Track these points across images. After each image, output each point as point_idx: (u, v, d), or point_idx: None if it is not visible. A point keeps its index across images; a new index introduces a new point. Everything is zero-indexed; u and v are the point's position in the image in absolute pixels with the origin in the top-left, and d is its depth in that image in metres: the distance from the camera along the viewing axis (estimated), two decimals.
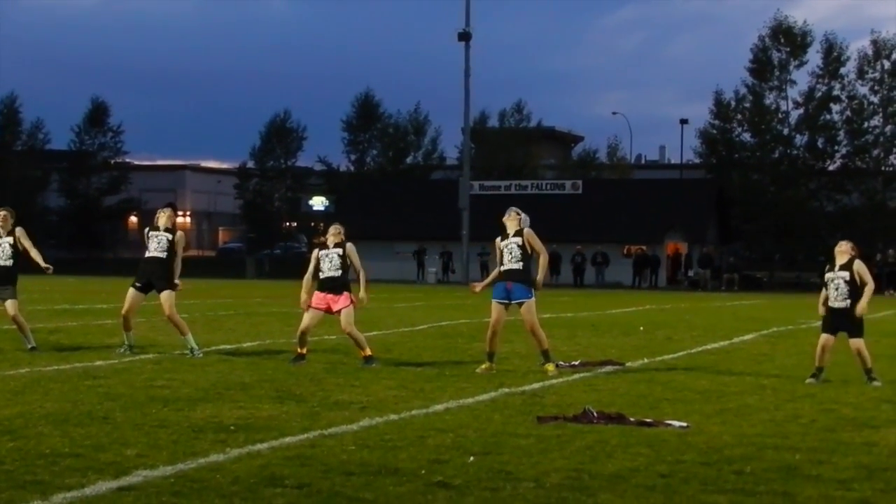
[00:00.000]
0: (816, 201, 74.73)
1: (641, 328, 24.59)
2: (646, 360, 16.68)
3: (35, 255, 16.56)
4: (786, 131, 75.94)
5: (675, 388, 13.22)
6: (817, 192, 74.96)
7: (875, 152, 74.69)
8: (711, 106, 77.09)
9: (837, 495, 7.36)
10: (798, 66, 75.68)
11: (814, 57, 75.30)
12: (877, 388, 13.38)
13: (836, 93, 75.06)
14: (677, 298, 44.60)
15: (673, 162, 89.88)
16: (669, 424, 10.21)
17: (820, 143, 75.13)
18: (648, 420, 10.36)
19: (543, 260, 14.97)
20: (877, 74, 74.53)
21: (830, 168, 75.73)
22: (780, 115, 76.00)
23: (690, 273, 66.05)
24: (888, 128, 74.61)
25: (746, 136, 76.68)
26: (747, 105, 76.08)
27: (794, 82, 75.90)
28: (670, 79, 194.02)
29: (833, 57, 74.90)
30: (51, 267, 16.98)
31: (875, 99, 74.63)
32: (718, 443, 9.28)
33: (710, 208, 70.49)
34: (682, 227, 67.28)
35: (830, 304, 14.04)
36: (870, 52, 74.57)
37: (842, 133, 75.07)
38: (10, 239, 16.41)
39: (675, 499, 7.24)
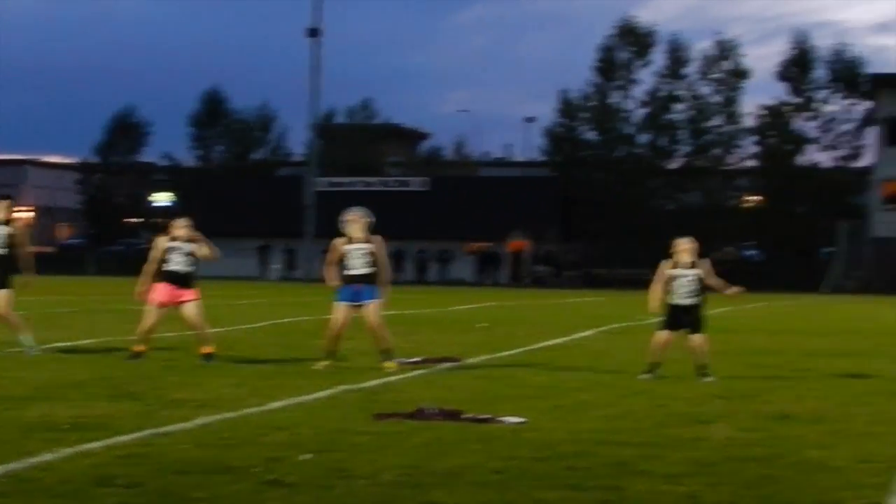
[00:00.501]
0: (658, 200, 76.07)
1: (482, 325, 24.75)
2: (485, 357, 16.79)
3: None
4: (630, 130, 77.13)
5: (512, 384, 13.33)
6: (659, 191, 76.31)
7: (716, 151, 76.26)
8: (557, 105, 78.00)
9: (666, 489, 7.47)
10: (643, 66, 77.00)
11: (659, 57, 76.72)
12: (709, 383, 13.65)
13: (679, 92, 76.49)
14: (520, 295, 45.04)
15: (519, 160, 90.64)
16: (505, 421, 10.28)
17: (662, 142, 76.48)
18: (484, 416, 10.42)
19: (386, 275, 15.03)
20: (719, 75, 76.13)
21: (672, 167, 77.14)
22: (624, 115, 77.16)
23: (533, 270, 66.70)
24: (728, 127, 76.27)
25: (591, 135, 77.70)
26: (593, 104, 77.10)
27: (639, 82, 77.20)
28: (518, 77, 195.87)
29: (677, 57, 76.32)
30: None
31: (717, 99, 76.21)
32: (552, 439, 9.36)
33: (554, 206, 71.32)
34: (525, 225, 67.87)
35: (675, 301, 14.28)
36: (713, 52, 76.17)
37: (684, 132, 76.51)
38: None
39: (508, 495, 7.27)
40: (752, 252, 75.41)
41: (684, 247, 14.41)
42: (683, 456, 8.66)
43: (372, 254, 14.71)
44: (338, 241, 14.87)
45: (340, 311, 14.77)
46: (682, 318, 14.28)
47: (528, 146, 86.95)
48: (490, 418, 10.36)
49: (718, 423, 10.41)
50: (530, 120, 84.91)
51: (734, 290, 14.48)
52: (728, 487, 7.55)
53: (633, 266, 68.86)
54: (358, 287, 14.70)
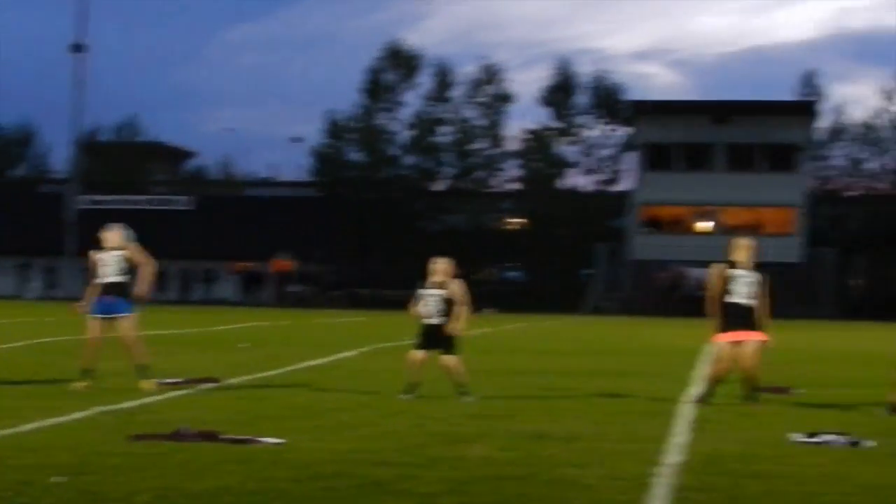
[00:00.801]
0: (423, 221, 76.80)
1: (244, 345, 24.55)
2: (247, 377, 16.64)
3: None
4: (396, 152, 77.69)
5: (273, 404, 13.24)
6: (424, 212, 77.05)
7: (480, 174, 77.41)
8: (324, 125, 78.06)
9: None
10: (410, 89, 77.76)
11: (425, 80, 77.55)
12: (468, 403, 13.80)
13: (444, 115, 77.44)
14: (283, 315, 44.78)
15: (285, 180, 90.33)
16: (264, 441, 10.19)
17: (428, 164, 77.25)
18: (243, 437, 10.32)
19: (147, 271, 14.69)
20: (484, 99, 77.37)
21: (437, 189, 77.99)
22: (390, 137, 77.70)
23: (297, 289, 66.51)
24: (493, 151, 77.55)
25: (358, 156, 77.99)
26: (359, 125, 77.41)
27: (405, 104, 77.88)
28: (285, 97, 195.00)
29: (443, 81, 77.27)
30: None
31: (482, 122, 77.41)
32: (311, 459, 9.31)
33: (320, 226, 71.26)
34: (291, 245, 67.65)
35: (424, 320, 14.42)
36: (478, 77, 77.38)
37: (449, 155, 77.45)
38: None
39: None
40: (515, 273, 76.81)
41: (435, 266, 14.56)
42: (441, 475, 8.71)
43: (128, 260, 14.44)
44: (93, 252, 14.58)
45: (93, 325, 14.48)
46: (431, 338, 14.41)
47: (294, 166, 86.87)
48: (249, 439, 10.25)
49: (476, 442, 10.52)
50: (297, 140, 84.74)
51: (455, 326, 14.46)
52: None
53: (398, 286, 69.42)
54: (109, 299, 14.40)
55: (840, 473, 9.14)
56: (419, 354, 14.43)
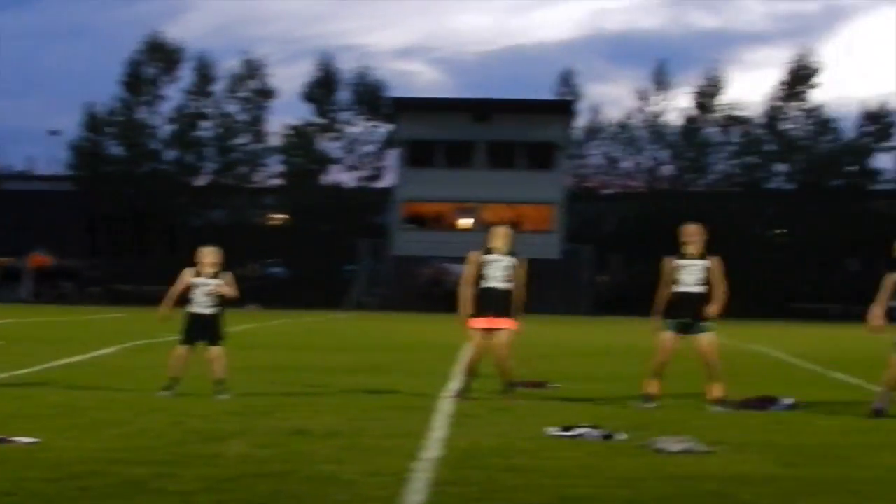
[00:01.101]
0: (185, 216, 75.78)
1: (0, 342, 23.85)
2: (1, 375, 16.15)
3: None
4: (157, 146, 76.44)
5: (27, 403, 12.89)
6: (185, 207, 76.02)
7: (242, 169, 76.78)
8: (83, 118, 76.24)
9: None
10: (171, 83, 76.59)
11: (187, 74, 76.52)
12: (225, 401, 13.70)
13: (206, 110, 76.54)
14: (41, 312, 43.61)
15: (43, 174, 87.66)
16: (17, 441, 9.92)
17: (189, 158, 76.24)
18: None
19: None
20: (246, 94, 76.76)
21: (199, 184, 77.03)
22: (151, 131, 76.41)
23: (56, 286, 64.88)
24: (255, 146, 77.01)
25: (117, 150, 76.43)
26: (119, 119, 75.90)
27: (166, 98, 76.70)
28: (42, 89, 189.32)
29: (205, 75, 76.36)
30: None
31: (243, 117, 76.78)
32: (66, 459, 9.11)
33: (79, 221, 69.60)
34: (49, 240, 65.93)
35: (194, 310, 14.29)
36: (240, 71, 76.74)
37: (210, 149, 76.59)
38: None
39: None
40: (277, 269, 76.46)
41: (208, 257, 14.44)
42: (198, 473, 8.64)
43: None
44: None
45: None
46: (198, 331, 14.28)
47: (52, 160, 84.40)
48: (2, 439, 9.96)
49: (234, 439, 10.45)
50: (55, 133, 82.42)
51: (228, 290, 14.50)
52: (241, 503, 7.60)
53: (157, 282, 68.26)
54: None
55: (594, 466, 9.39)
56: (184, 350, 14.29)
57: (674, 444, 10.37)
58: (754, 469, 9.40)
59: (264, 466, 9.03)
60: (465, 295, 14.56)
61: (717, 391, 13.92)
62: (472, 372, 14.67)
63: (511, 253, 14.63)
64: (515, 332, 14.52)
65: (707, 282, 13.94)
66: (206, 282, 14.33)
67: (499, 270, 14.43)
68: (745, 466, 9.53)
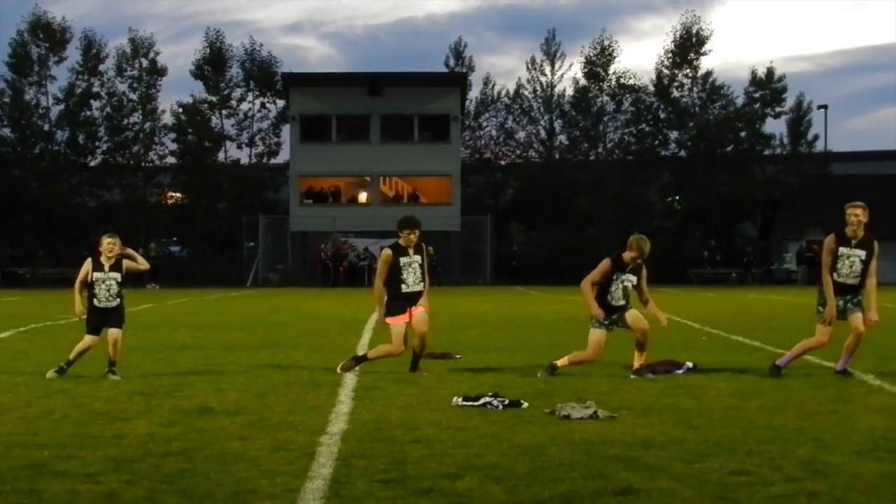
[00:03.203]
0: (79, 197, 74.81)
1: None
2: None
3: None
4: (46, 127, 75.31)
5: None
6: (80, 188, 75.04)
7: (135, 148, 75.92)
8: None
9: (84, 489, 7.38)
10: (58, 62, 75.41)
11: (74, 53, 75.37)
12: (118, 381, 13.59)
13: (95, 89, 75.51)
14: None
15: None
16: None
17: (81, 138, 75.19)
18: None
19: None
20: (135, 72, 75.83)
21: (92, 164, 76.03)
22: (40, 111, 75.24)
23: None
24: (147, 124, 76.16)
25: (7, 132, 75.17)
26: (6, 100, 74.61)
27: (54, 78, 75.56)
28: None
29: (93, 54, 75.29)
30: None
31: (134, 96, 75.89)
32: None
33: None
34: None
35: (100, 304, 14.17)
36: (128, 50, 75.77)
37: (103, 129, 75.61)
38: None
39: None
40: (175, 248, 75.81)
41: (110, 246, 14.31)
42: (103, 454, 8.57)
43: None
44: None
45: None
46: (104, 320, 14.17)
47: None
48: None
49: (139, 419, 10.39)
50: None
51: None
52: (146, 483, 7.55)
53: (54, 265, 67.40)
54: None
55: (499, 435, 9.47)
56: (91, 339, 14.20)
57: (578, 411, 10.48)
58: (657, 433, 9.54)
59: (169, 446, 8.99)
60: (380, 294, 14.51)
61: (639, 360, 14.04)
62: (379, 359, 14.71)
63: (418, 247, 14.57)
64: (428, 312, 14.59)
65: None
66: (106, 276, 14.20)
67: (412, 274, 14.39)
68: (649, 430, 9.67)
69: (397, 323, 14.39)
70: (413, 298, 14.41)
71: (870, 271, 13.73)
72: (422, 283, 14.50)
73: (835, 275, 13.72)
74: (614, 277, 13.94)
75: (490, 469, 7.98)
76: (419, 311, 14.45)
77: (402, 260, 14.41)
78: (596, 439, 9.18)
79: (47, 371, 14.08)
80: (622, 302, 14.01)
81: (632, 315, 14.00)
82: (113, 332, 14.17)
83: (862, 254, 13.70)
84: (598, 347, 13.93)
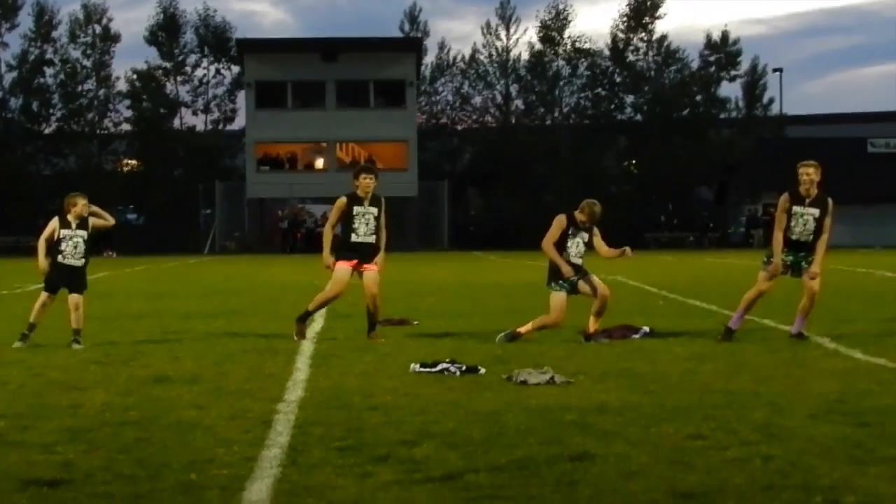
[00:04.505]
0: (34, 165, 74.31)
1: None
2: None
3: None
4: (0, 94, 74.69)
5: None
6: (34, 156, 74.53)
7: (90, 115, 75.43)
8: None
9: (40, 459, 7.34)
10: (10, 29, 74.79)
11: (26, 20, 74.70)
12: (78, 349, 13.53)
13: (49, 56, 74.92)
14: None
15: None
16: None
17: (35, 106, 74.63)
18: None
19: None
20: (88, 39, 75.24)
21: (47, 132, 75.52)
22: None
23: None
24: (101, 91, 75.65)
25: None
26: None
27: (6, 45, 74.93)
28: None
29: (45, 20, 74.68)
30: None
31: (88, 63, 75.33)
32: None
33: None
34: None
35: (65, 261, 14.07)
36: (81, 16, 75.19)
37: (56, 96, 75.06)
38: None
39: None
40: (132, 216, 75.43)
41: (79, 206, 14.18)
42: (59, 424, 8.54)
43: None
44: None
45: None
46: (64, 279, 14.06)
47: None
48: None
49: (95, 389, 10.34)
50: None
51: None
52: (103, 452, 7.52)
53: (10, 233, 66.91)
54: None
55: (456, 401, 9.49)
56: (47, 297, 14.08)
57: (534, 377, 10.52)
58: (614, 398, 9.59)
59: (126, 415, 8.95)
60: (328, 239, 14.49)
61: (594, 325, 14.09)
62: (321, 307, 14.68)
63: (375, 199, 14.50)
64: (381, 271, 14.54)
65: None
66: (73, 234, 14.10)
67: (363, 224, 14.33)
68: (605, 395, 9.71)
69: (340, 267, 14.32)
70: (362, 251, 14.32)
71: (823, 228, 13.84)
72: (374, 237, 14.38)
73: (788, 233, 13.82)
74: (570, 233, 14.01)
75: (447, 435, 8.00)
76: (371, 270, 14.39)
77: (356, 209, 14.36)
78: (552, 405, 9.22)
79: (13, 343, 13.96)
80: (580, 260, 14.06)
81: (596, 280, 14.05)
82: (73, 298, 14.07)
83: (815, 212, 13.80)
84: (560, 310, 13.95)
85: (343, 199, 14.45)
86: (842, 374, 10.89)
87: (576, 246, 14.06)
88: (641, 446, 7.60)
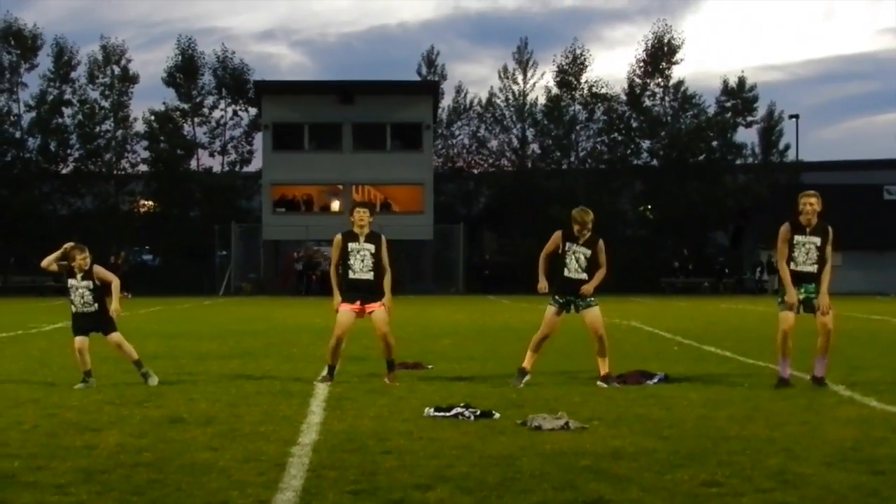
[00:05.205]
0: (50, 204, 74.56)
1: None
2: None
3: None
4: (18, 134, 75.07)
5: None
6: (51, 195, 74.80)
7: (107, 156, 75.73)
8: None
9: (54, 500, 7.34)
10: (30, 69, 75.29)
11: (45, 60, 75.19)
12: (153, 385, 13.96)
13: (67, 97, 75.34)
14: None
15: None
16: None
17: (53, 146, 74.99)
18: None
19: None
20: (107, 79, 75.64)
21: (64, 171, 75.83)
22: (11, 118, 75.03)
23: None
24: (119, 132, 75.98)
25: None
26: None
27: (25, 85, 75.40)
28: None
29: (64, 61, 75.14)
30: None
31: (106, 103, 75.69)
32: None
33: None
34: None
35: (79, 310, 14.14)
36: (100, 57, 75.61)
37: (74, 137, 75.42)
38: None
39: None
40: (147, 256, 75.57)
41: (75, 259, 14.25)
42: (73, 465, 8.54)
43: None
44: None
45: None
46: (87, 325, 14.15)
47: None
48: None
49: (109, 430, 10.34)
50: None
51: (116, 308, 14.44)
52: (117, 493, 7.52)
53: (25, 273, 67.07)
54: None
55: (470, 445, 9.47)
56: (80, 340, 14.16)
57: (549, 422, 10.49)
58: (628, 443, 9.56)
59: (139, 456, 8.95)
60: (334, 280, 14.50)
61: (603, 367, 14.12)
62: (335, 355, 14.58)
63: (372, 235, 14.52)
64: (391, 310, 14.49)
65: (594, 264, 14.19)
66: (79, 284, 14.22)
67: (359, 261, 14.31)
68: (620, 441, 9.68)
69: (342, 310, 14.29)
70: (361, 288, 14.27)
71: (825, 257, 13.81)
72: (371, 273, 14.30)
73: (792, 264, 13.80)
74: (567, 248, 14.07)
75: (461, 480, 7.98)
76: (378, 310, 14.37)
77: (351, 245, 14.38)
78: (567, 450, 9.19)
79: (26, 382, 14.02)
80: (581, 275, 14.09)
81: (591, 316, 14.11)
82: (111, 338, 14.24)
83: (817, 241, 13.78)
84: (549, 324, 14.09)
85: (338, 237, 14.49)
86: (857, 422, 10.85)
87: (574, 261, 14.15)
88: (656, 492, 7.58)
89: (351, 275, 14.31)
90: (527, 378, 14.02)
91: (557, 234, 14.27)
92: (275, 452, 9.08)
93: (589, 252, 14.15)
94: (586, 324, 14.16)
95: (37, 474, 8.19)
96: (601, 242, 14.28)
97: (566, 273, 14.12)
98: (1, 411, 11.64)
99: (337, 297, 14.38)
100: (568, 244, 14.15)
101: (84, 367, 14.17)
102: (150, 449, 9.30)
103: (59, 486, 7.76)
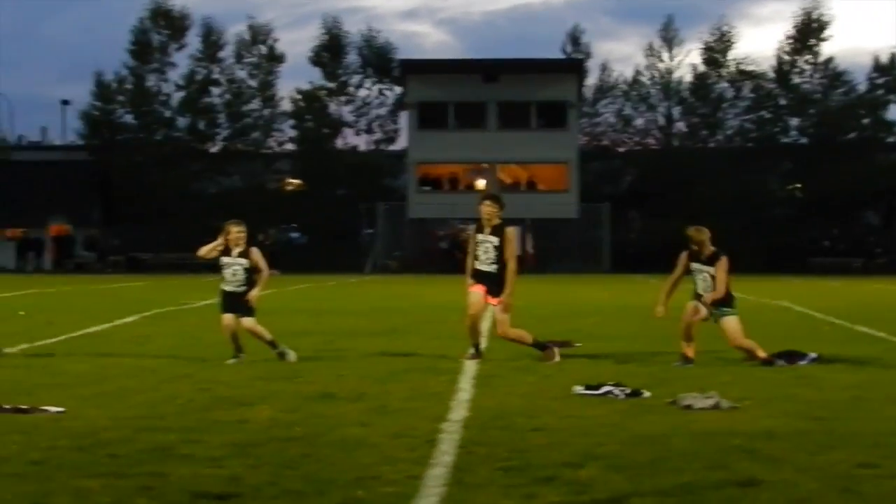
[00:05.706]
0: (199, 182, 75.87)
1: (22, 313, 23.92)
2: (24, 346, 16.20)
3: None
4: (168, 113, 76.47)
5: (52, 372, 12.95)
6: (200, 174, 76.09)
7: (255, 135, 76.78)
8: (93, 87, 76.25)
9: (208, 473, 7.47)
10: (178, 49, 76.56)
11: (194, 40, 76.43)
12: (291, 361, 14.14)
13: (215, 76, 76.51)
14: (62, 281, 43.77)
15: (57, 144, 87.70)
16: (45, 410, 9.98)
17: (202, 125, 76.25)
18: (23, 407, 10.07)
19: None
20: (254, 59, 76.64)
21: (212, 150, 77.08)
22: (161, 98, 76.42)
23: (77, 255, 65.23)
24: (266, 111, 76.93)
25: (129, 118, 76.48)
26: (129, 87, 75.90)
27: (174, 65, 76.71)
28: (50, 58, 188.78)
29: (212, 41, 76.27)
30: None
31: (253, 83, 76.69)
32: (94, 427, 9.15)
33: (95, 190, 69.76)
34: (66, 210, 66.12)
35: (225, 287, 14.38)
36: (247, 37, 76.63)
37: (222, 116, 76.56)
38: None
39: (48, 485, 7.05)
40: (295, 234, 76.49)
41: (237, 234, 14.43)
42: (226, 439, 8.68)
43: None
44: None
45: None
46: (232, 304, 14.37)
47: (65, 130, 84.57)
48: (30, 408, 10.02)
49: (261, 405, 10.49)
50: (66, 103, 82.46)
51: (255, 294, 14.54)
52: (269, 468, 7.62)
53: (176, 250, 68.41)
54: None
55: (620, 424, 9.42)
56: (228, 318, 14.37)
57: (699, 401, 10.39)
58: (781, 424, 9.41)
59: (291, 431, 9.07)
60: (468, 265, 14.71)
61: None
62: (474, 333, 14.68)
63: (498, 228, 14.54)
64: (508, 307, 14.49)
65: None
66: (233, 261, 14.39)
67: (483, 252, 14.43)
68: (772, 421, 9.55)
69: (471, 290, 14.56)
70: (484, 279, 14.47)
71: None
72: (494, 266, 14.45)
73: None
74: (692, 269, 14.04)
75: (611, 458, 7.94)
76: (497, 309, 14.60)
77: (479, 237, 14.58)
78: (718, 430, 9.09)
79: (179, 357, 14.33)
80: (708, 294, 14.03)
81: (723, 326, 14.17)
82: (245, 322, 14.38)
83: None
84: (689, 314, 14.19)
85: (474, 227, 14.71)
86: None
87: (702, 281, 14.16)
88: (810, 473, 7.45)
89: (477, 265, 14.55)
90: (690, 365, 13.93)
91: (682, 255, 14.31)
92: (425, 428, 9.13)
93: (712, 270, 14.08)
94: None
95: (192, 447, 8.34)
96: (723, 260, 14.13)
97: (696, 290, 14.22)
98: (156, 386, 11.88)
99: (469, 278, 14.53)
100: (693, 265, 14.16)
101: (234, 344, 14.39)
102: (302, 424, 9.41)
103: (213, 460, 7.89)
